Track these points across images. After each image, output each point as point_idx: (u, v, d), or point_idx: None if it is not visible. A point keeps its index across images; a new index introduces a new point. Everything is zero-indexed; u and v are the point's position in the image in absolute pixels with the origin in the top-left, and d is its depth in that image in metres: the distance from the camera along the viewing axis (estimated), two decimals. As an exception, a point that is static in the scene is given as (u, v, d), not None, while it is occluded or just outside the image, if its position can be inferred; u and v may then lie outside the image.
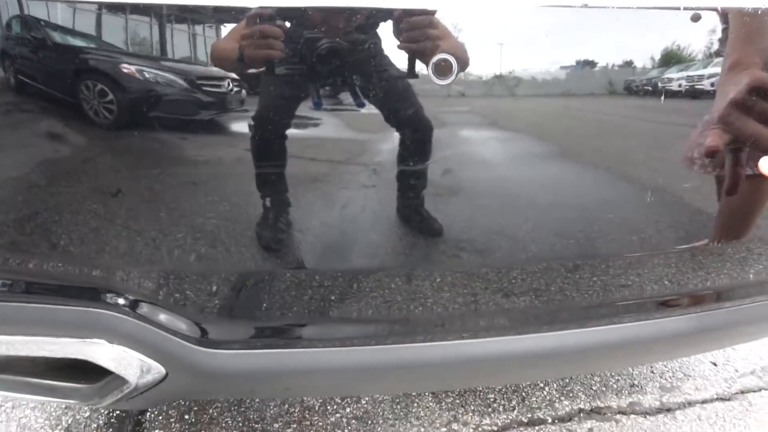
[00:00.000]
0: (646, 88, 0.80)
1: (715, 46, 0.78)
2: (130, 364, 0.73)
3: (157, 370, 0.74)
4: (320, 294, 0.76)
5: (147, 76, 0.71)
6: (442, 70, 0.61)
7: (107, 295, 0.68)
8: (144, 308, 0.69)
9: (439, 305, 0.86)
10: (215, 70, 0.72)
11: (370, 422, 1.54)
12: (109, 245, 0.67)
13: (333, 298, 0.77)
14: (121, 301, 0.68)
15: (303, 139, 0.75)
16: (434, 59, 0.60)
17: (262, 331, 0.74)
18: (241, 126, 0.75)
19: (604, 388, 1.69)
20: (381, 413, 1.56)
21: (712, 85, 0.83)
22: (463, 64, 0.64)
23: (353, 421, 1.55)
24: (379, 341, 0.80)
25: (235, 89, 0.71)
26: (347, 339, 0.81)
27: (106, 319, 0.68)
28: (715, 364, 1.84)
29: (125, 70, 0.71)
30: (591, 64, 0.78)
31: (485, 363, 0.87)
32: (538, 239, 0.91)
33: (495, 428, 1.52)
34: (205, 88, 0.72)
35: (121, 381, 0.75)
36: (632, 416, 1.58)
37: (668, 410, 1.61)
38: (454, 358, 0.83)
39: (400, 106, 0.71)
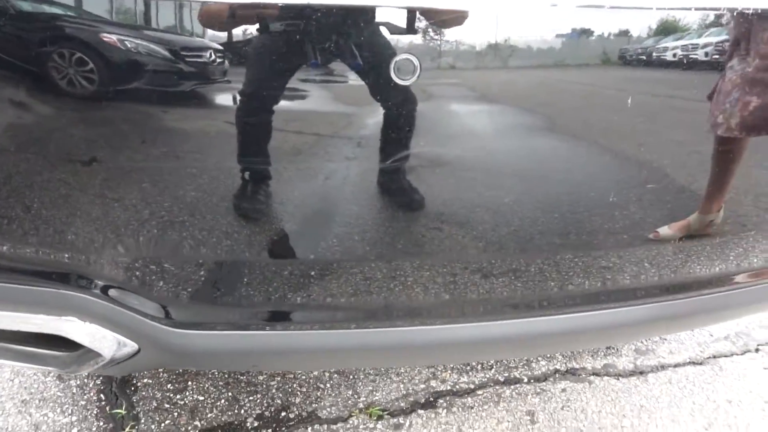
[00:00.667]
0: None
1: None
2: (103, 340, 0.75)
3: (131, 345, 0.75)
4: (282, 279, 0.77)
5: (129, 45, 0.69)
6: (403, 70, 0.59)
7: (78, 279, 0.69)
8: (114, 292, 0.70)
9: (406, 290, 0.87)
10: (198, 40, 0.69)
11: (351, 377, 1.59)
12: (78, 232, 0.68)
13: (294, 283, 0.78)
14: (91, 284, 0.69)
15: (289, 111, 0.73)
16: (395, 59, 0.58)
17: (225, 313, 0.76)
18: (224, 97, 0.73)
19: (581, 350, 1.74)
20: (363, 369, 1.61)
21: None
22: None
23: (335, 375, 1.60)
24: (343, 326, 0.81)
25: (218, 59, 0.69)
26: (312, 322, 0.84)
27: (77, 300, 0.70)
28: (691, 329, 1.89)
29: (106, 40, 0.69)
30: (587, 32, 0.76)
31: (450, 347, 0.89)
32: (523, 218, 0.91)
33: (472, 386, 1.57)
34: (187, 59, 0.70)
35: (96, 353, 0.77)
36: (605, 378, 1.63)
37: (641, 373, 1.66)
38: (420, 342, 0.86)
39: (386, 79, 0.69)
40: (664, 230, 0.99)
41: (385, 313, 0.91)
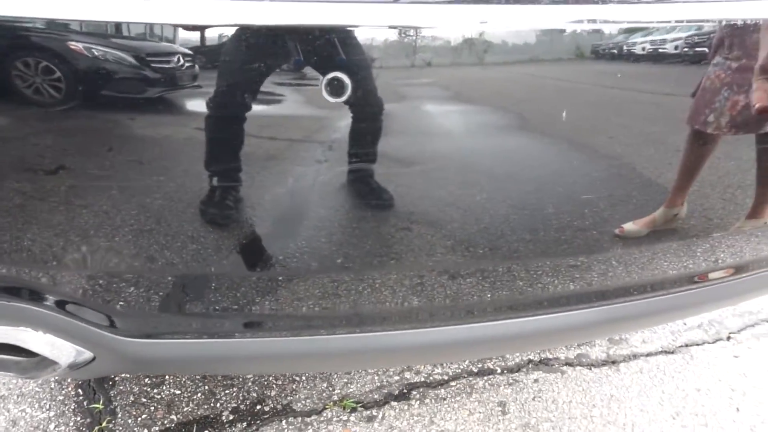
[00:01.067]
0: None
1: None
2: (59, 349, 0.76)
3: (86, 353, 0.77)
4: (230, 290, 0.78)
5: (95, 53, 0.69)
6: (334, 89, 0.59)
7: (30, 293, 0.70)
8: (67, 305, 0.72)
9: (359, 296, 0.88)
10: (165, 45, 0.69)
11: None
12: (30, 246, 0.69)
13: (240, 293, 0.79)
14: (43, 298, 0.70)
15: (260, 116, 0.73)
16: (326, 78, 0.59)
17: (173, 324, 0.77)
18: (193, 102, 0.73)
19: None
20: (338, 362, 1.63)
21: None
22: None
23: (311, 368, 1.62)
24: (294, 333, 0.83)
25: (187, 64, 0.69)
26: (255, 330, 0.87)
27: (30, 312, 0.71)
28: (665, 317, 1.91)
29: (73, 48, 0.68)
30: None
31: (407, 351, 0.91)
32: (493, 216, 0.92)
33: (446, 378, 1.60)
34: (154, 65, 0.70)
35: (53, 361, 0.78)
36: (578, 368, 1.66)
37: (613, 362, 1.69)
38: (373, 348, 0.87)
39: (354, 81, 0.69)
40: (630, 226, 1.00)
41: (345, 319, 0.93)
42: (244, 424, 1.44)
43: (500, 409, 1.50)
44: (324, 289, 0.93)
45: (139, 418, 1.44)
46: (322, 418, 1.46)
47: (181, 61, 0.69)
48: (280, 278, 0.89)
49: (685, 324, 1.88)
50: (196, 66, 0.69)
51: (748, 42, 0.83)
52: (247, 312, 0.88)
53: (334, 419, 1.45)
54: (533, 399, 1.53)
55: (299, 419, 1.45)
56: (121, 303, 0.73)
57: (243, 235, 0.81)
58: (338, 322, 0.97)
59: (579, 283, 1.06)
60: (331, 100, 0.61)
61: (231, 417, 1.45)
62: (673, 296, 1.16)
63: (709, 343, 1.79)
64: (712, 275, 1.19)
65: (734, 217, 1.08)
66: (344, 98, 0.61)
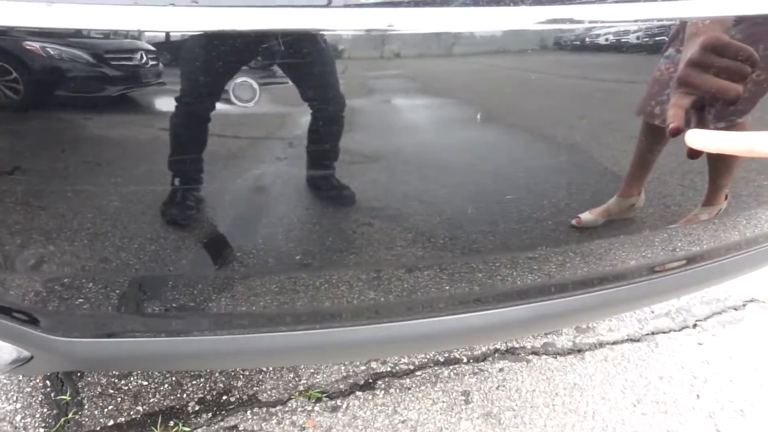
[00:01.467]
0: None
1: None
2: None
3: (24, 352, 0.77)
4: (159, 288, 0.79)
5: (52, 52, 0.67)
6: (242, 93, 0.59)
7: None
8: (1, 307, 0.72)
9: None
10: (126, 42, 0.67)
11: (294, 360, 1.63)
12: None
13: (187, 290, 0.80)
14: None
15: (224, 115, 0.72)
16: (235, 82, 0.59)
17: (107, 324, 0.78)
18: (157, 101, 0.71)
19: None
20: (305, 352, 1.64)
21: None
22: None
23: (279, 358, 1.63)
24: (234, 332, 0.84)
25: (150, 62, 0.67)
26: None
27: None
28: (633, 306, 1.93)
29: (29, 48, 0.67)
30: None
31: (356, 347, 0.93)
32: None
33: (411, 367, 1.62)
34: (114, 63, 0.68)
35: (-7, 358, 0.79)
36: (543, 357, 1.68)
37: (579, 351, 1.71)
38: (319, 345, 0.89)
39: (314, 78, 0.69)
40: (586, 216, 1.00)
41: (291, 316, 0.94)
42: (210, 414, 1.45)
43: (464, 398, 1.52)
44: (281, 285, 0.94)
45: (105, 409, 1.45)
46: (286, 408, 1.47)
47: (144, 58, 0.67)
48: (237, 276, 0.89)
49: (652, 312, 1.90)
50: (160, 63, 0.67)
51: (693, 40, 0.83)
52: (197, 310, 0.89)
53: (299, 409, 1.47)
54: (497, 388, 1.55)
55: (264, 409, 1.47)
56: (55, 304, 0.74)
57: (201, 235, 0.82)
58: (297, 319, 0.98)
59: (538, 275, 1.07)
60: (239, 104, 0.61)
61: (197, 407, 1.47)
62: (631, 286, 1.18)
63: (675, 330, 1.82)
64: (671, 264, 1.20)
65: (692, 204, 1.09)
66: (252, 102, 0.62)
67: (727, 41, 0.70)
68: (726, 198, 1.08)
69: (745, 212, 1.17)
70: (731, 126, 0.91)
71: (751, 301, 1.96)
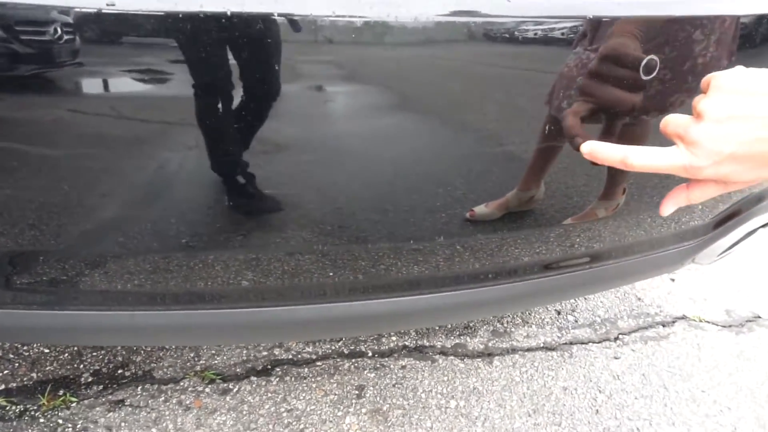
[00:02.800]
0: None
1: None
2: None
3: None
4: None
5: None
6: None
7: None
8: None
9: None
10: (39, 13, 0.61)
11: (199, 340, 1.63)
12: None
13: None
14: None
15: (137, 97, 0.70)
16: None
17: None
18: (73, 82, 0.67)
19: (438, 328, 1.77)
20: (210, 333, 1.64)
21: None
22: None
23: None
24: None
25: (66, 36, 0.61)
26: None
27: None
28: (558, 312, 1.90)
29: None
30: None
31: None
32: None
33: (314, 357, 1.61)
34: (23, 37, 0.61)
35: None
36: (451, 357, 1.66)
37: (489, 355, 1.69)
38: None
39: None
40: (481, 209, 0.97)
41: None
42: (101, 387, 1.47)
43: (357, 392, 1.51)
44: (155, 265, 0.93)
45: (1, 374, 1.47)
46: (177, 387, 1.48)
47: (59, 32, 0.61)
48: (123, 257, 0.90)
49: (576, 321, 1.87)
50: (77, 39, 0.61)
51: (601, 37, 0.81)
52: (70, 284, 0.91)
53: (189, 389, 1.48)
54: (394, 385, 1.54)
55: (155, 386, 1.48)
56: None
57: (93, 218, 0.83)
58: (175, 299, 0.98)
59: (424, 267, 1.05)
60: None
61: (90, 379, 1.48)
62: (525, 283, 1.14)
63: (594, 342, 1.79)
64: (568, 262, 1.16)
65: (592, 198, 1.05)
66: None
67: (623, 51, 0.70)
68: (624, 192, 1.03)
69: (650, 210, 1.12)
70: (634, 124, 0.88)
71: (682, 318, 1.92)
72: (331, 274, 1.02)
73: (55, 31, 0.62)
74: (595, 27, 0.79)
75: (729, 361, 1.74)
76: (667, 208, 0.58)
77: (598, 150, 0.57)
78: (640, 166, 0.54)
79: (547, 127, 0.88)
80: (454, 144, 0.89)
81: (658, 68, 0.77)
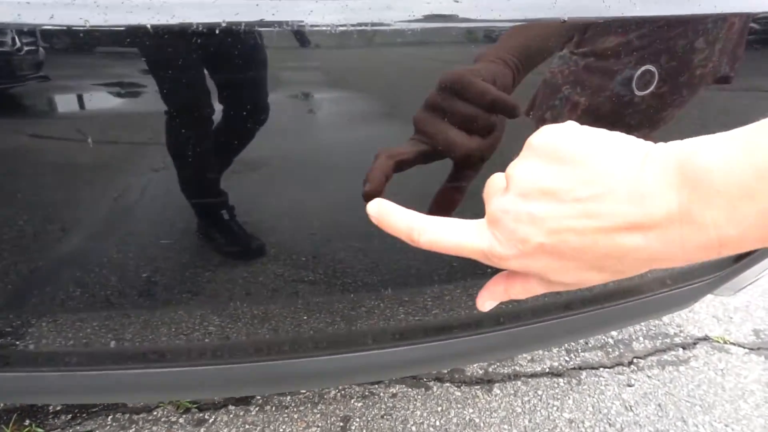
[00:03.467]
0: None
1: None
2: None
3: None
4: None
5: None
6: None
7: None
8: None
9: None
10: None
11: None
12: None
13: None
14: None
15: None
16: None
17: None
18: (34, 100, 0.60)
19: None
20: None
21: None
22: None
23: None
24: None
25: (27, 48, 0.54)
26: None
27: None
28: (567, 333, 1.75)
29: None
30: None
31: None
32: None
33: (298, 384, 1.50)
34: None
35: None
36: (446, 385, 1.53)
37: (489, 381, 1.56)
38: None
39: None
40: None
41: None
42: (69, 416, 1.38)
43: (341, 424, 1.40)
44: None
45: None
46: (150, 417, 1.39)
47: (18, 43, 0.54)
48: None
49: (587, 343, 1.72)
50: (41, 50, 0.54)
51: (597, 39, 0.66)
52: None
53: (162, 419, 1.38)
54: (382, 417, 1.42)
55: (127, 416, 1.39)
56: None
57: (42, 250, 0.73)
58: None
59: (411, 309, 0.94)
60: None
61: (58, 408, 1.40)
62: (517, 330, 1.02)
63: (606, 367, 1.64)
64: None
65: None
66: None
67: (469, 81, 0.52)
68: None
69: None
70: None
71: (704, 339, 1.75)
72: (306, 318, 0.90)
73: (14, 41, 0.54)
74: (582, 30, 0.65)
75: (757, 390, 1.57)
76: (484, 303, 0.43)
77: (386, 214, 0.42)
78: (426, 242, 0.39)
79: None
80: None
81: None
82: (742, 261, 0.89)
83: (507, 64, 0.57)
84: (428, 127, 0.53)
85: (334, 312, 0.90)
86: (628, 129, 0.65)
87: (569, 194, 0.33)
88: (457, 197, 0.59)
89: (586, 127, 0.36)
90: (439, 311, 0.96)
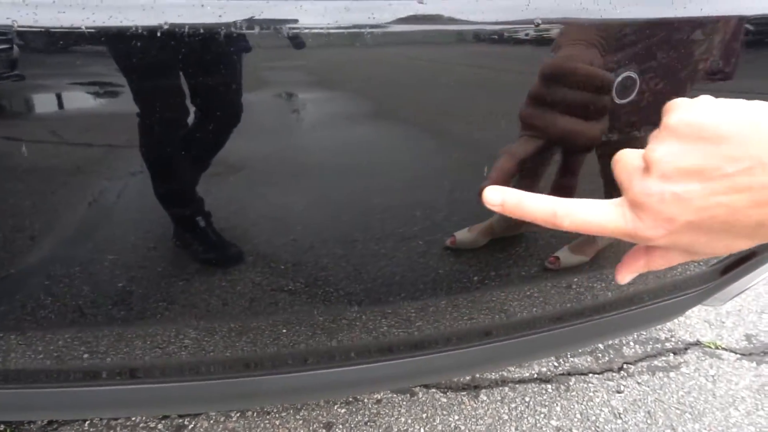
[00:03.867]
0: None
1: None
2: None
3: None
4: None
5: None
6: None
7: None
8: None
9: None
10: None
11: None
12: None
13: None
14: None
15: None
16: None
17: None
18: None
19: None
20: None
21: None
22: None
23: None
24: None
25: (3, 46, 0.50)
26: None
27: None
28: (557, 338, 1.73)
29: None
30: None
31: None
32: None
33: (280, 389, 1.47)
34: None
35: None
36: (432, 391, 1.51)
37: (475, 387, 1.53)
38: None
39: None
40: (463, 234, 0.81)
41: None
42: (45, 421, 1.35)
43: (324, 431, 1.37)
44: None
45: (-60, 405, 1.36)
46: (128, 423, 1.36)
47: None
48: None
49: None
50: (15, 48, 0.50)
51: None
52: None
53: (141, 425, 1.35)
54: (366, 423, 1.40)
55: (104, 422, 1.36)
56: None
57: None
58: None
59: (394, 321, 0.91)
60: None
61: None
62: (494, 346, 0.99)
63: (595, 373, 1.61)
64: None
65: None
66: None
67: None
68: None
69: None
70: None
71: (696, 344, 1.73)
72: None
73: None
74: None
75: (747, 397, 1.55)
76: (623, 276, 0.44)
77: (519, 200, 0.42)
78: (571, 225, 0.40)
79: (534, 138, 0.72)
80: (432, 158, 0.73)
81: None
82: (729, 273, 0.86)
83: (591, 43, 0.58)
84: (538, 121, 0.56)
85: (314, 324, 0.87)
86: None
87: (716, 172, 0.33)
88: (574, 183, 0.63)
89: (722, 100, 0.35)
90: (423, 323, 0.93)
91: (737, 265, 0.84)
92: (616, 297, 0.94)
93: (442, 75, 0.61)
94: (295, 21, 0.54)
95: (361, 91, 0.62)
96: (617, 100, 0.58)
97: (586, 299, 0.87)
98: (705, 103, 0.35)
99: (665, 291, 0.87)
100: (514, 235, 0.86)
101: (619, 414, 1.48)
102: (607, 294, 0.92)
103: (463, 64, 0.62)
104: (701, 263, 0.82)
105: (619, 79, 0.57)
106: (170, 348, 0.86)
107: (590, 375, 1.60)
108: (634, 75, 0.58)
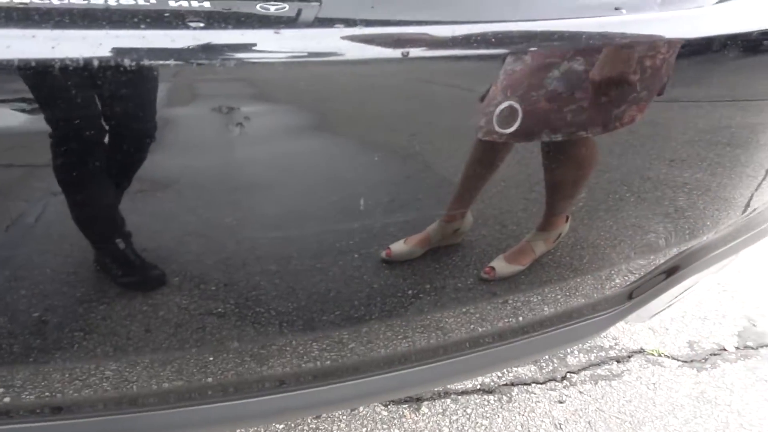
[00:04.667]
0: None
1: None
2: None
3: None
4: None
5: None
6: None
7: None
8: None
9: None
10: None
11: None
12: None
13: None
14: None
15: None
16: None
17: None
18: None
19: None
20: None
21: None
22: None
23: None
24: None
25: None
26: None
27: None
28: (502, 348, 1.72)
29: None
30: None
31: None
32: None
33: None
34: None
35: None
36: (373, 404, 1.49)
37: (417, 400, 1.51)
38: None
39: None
40: (399, 246, 0.79)
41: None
42: None
43: (259, 449, 1.34)
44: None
45: None
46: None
47: None
48: None
49: (521, 357, 1.69)
50: None
51: None
52: None
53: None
54: (303, 439, 1.37)
55: None
56: None
57: None
58: None
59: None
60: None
61: None
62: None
63: (539, 383, 1.61)
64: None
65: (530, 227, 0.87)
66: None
67: None
68: (567, 221, 0.86)
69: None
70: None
71: (639, 352, 1.74)
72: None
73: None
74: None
75: (687, 404, 1.57)
76: None
77: None
78: None
79: (473, 149, 0.73)
80: (367, 168, 0.71)
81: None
82: (634, 299, 0.85)
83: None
84: None
85: (243, 352, 0.84)
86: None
87: None
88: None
89: None
90: (356, 345, 0.90)
91: (649, 287, 0.84)
92: (556, 313, 0.93)
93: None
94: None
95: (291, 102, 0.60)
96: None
97: (516, 318, 0.86)
98: None
99: (591, 310, 0.86)
100: (449, 244, 0.84)
101: (560, 425, 1.48)
102: (546, 311, 0.91)
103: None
104: (613, 285, 0.81)
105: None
106: (91, 380, 0.82)
107: (533, 385, 1.60)
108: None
